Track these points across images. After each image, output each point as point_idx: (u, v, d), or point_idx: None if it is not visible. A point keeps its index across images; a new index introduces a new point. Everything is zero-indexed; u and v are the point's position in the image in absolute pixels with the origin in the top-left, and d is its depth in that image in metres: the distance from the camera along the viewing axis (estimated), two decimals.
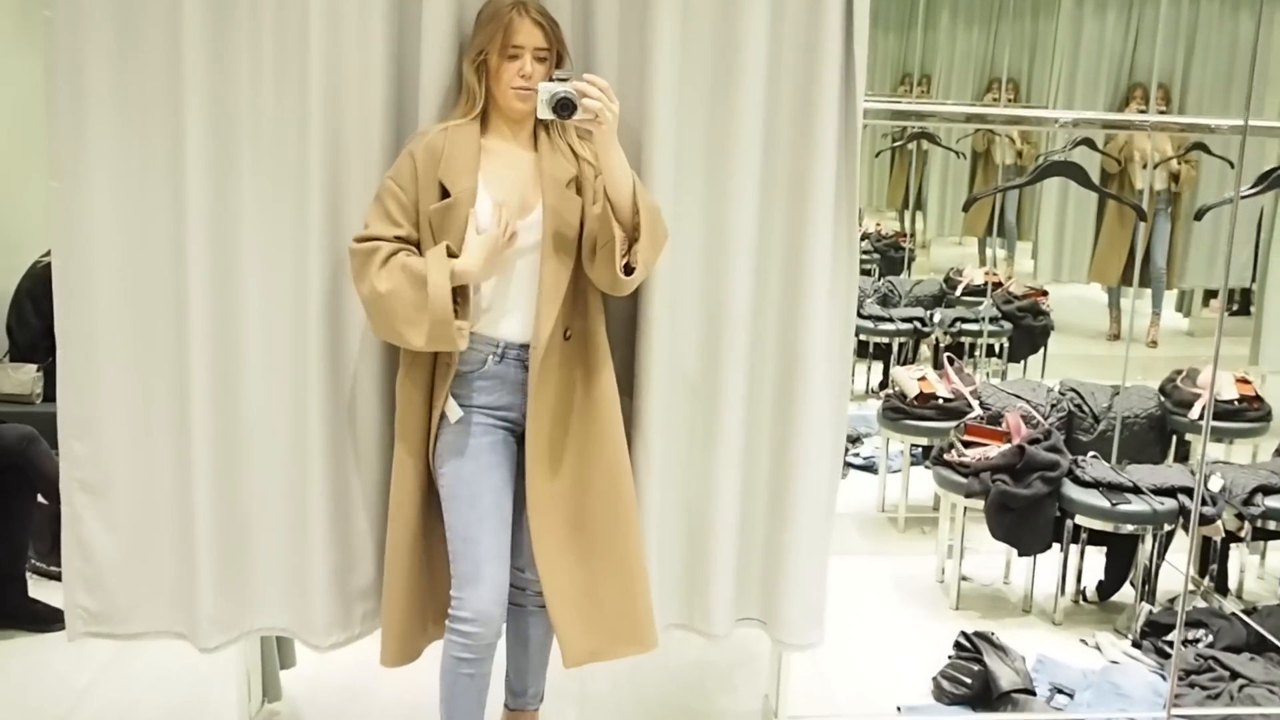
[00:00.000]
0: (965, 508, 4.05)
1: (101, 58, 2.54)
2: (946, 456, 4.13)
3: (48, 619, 3.60)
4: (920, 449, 4.95)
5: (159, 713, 3.06)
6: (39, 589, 3.75)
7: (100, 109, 2.56)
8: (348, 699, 3.29)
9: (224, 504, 2.72)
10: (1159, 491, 3.89)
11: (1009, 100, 7.51)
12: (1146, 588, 3.98)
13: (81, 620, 2.76)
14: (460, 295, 2.46)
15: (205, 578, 2.73)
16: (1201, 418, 4.64)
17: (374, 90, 2.58)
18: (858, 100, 2.69)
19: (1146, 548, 3.92)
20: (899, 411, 4.67)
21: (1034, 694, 3.34)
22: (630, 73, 2.62)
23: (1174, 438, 4.83)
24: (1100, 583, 4.16)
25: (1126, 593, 4.10)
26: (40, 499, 3.74)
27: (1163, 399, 4.85)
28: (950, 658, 3.51)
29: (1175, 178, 7.24)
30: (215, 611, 2.76)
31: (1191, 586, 4.14)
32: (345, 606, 2.78)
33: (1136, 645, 3.77)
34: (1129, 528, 3.86)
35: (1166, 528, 3.91)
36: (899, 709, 3.30)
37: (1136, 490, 3.88)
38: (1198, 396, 4.71)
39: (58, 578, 2.94)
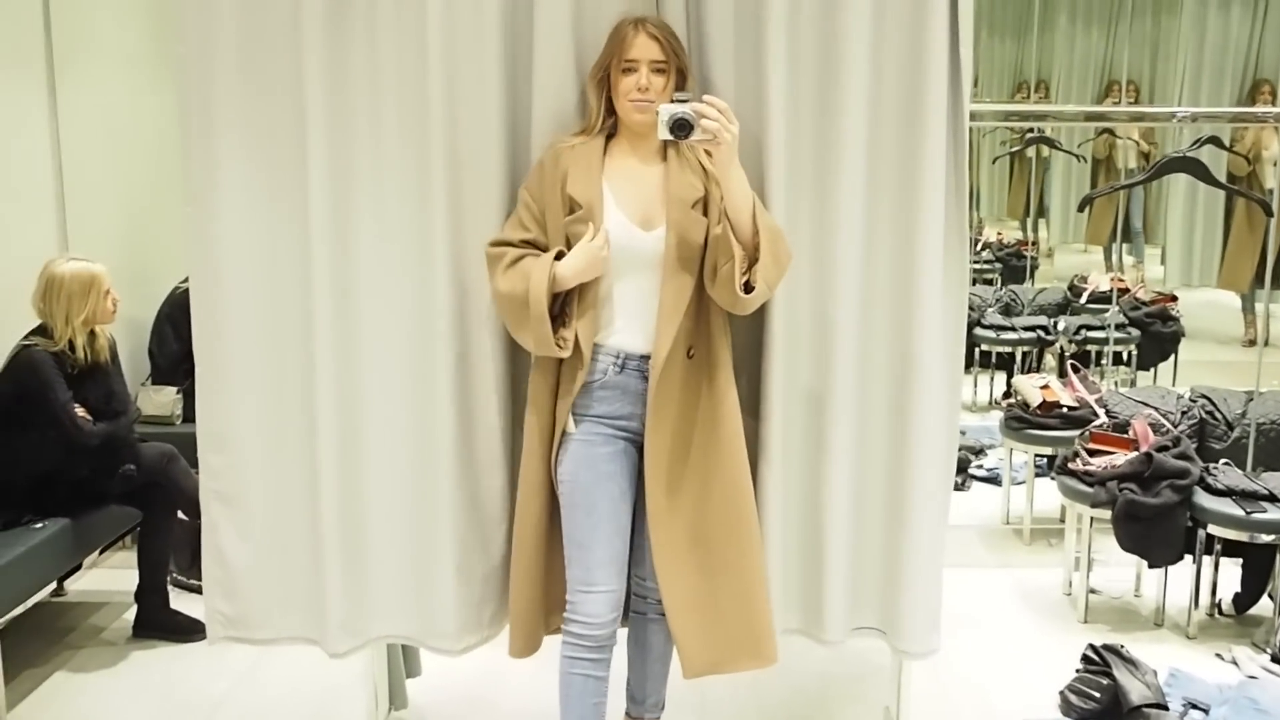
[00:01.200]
0: (1092, 518, 3.96)
1: (230, 90, 2.68)
2: (1071, 466, 4.05)
3: (188, 629, 3.75)
4: (1045, 459, 4.85)
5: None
6: (179, 601, 3.91)
7: (229, 138, 2.69)
8: (471, 708, 3.36)
9: (350, 513, 2.81)
10: None
11: (1130, 102, 7.33)
12: None
13: (220, 625, 2.88)
14: (569, 304, 2.54)
15: (333, 584, 2.82)
16: None
17: (490, 110, 2.65)
18: (964, 103, 2.68)
19: None
20: (1022, 421, 4.59)
21: (1166, 709, 3.24)
22: (746, 92, 2.65)
23: None
24: (1237, 595, 4.03)
25: (1265, 605, 3.96)
26: (181, 515, 3.90)
27: None
28: (1078, 671, 3.43)
29: None
30: (344, 617, 2.85)
31: None
32: (476, 609, 2.84)
33: (1276, 660, 3.64)
34: (1265, 538, 3.72)
35: None
36: None
37: (1273, 498, 3.75)
38: None
39: (198, 590, 3.07)
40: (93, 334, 3.68)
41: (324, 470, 2.78)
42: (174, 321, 4.60)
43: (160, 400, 4.54)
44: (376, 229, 2.73)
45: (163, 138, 4.81)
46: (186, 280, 3.57)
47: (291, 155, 2.70)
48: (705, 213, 2.55)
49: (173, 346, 4.63)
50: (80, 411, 3.60)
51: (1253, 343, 7.21)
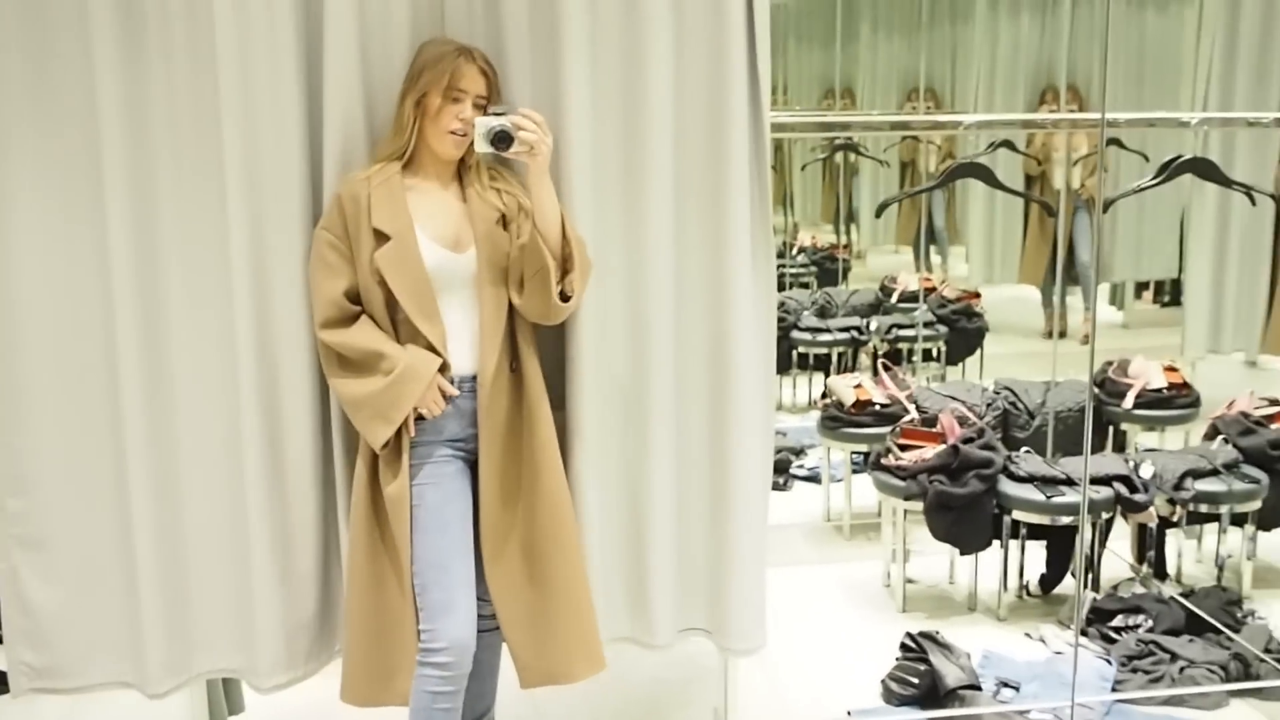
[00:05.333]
0: (905, 510, 4.12)
1: (20, 117, 2.57)
2: (884, 461, 4.20)
3: None
4: (861, 456, 5.02)
5: None
6: None
7: (20, 168, 2.58)
8: None
9: (165, 550, 2.74)
10: (1095, 480, 3.97)
11: (929, 108, 7.63)
12: (1090, 576, 4.06)
13: (26, 677, 2.76)
14: (399, 334, 2.58)
15: (151, 624, 2.74)
16: (1135, 407, 4.75)
17: (289, 130, 2.61)
18: (764, 111, 2.77)
19: (1086, 536, 4.00)
20: (838, 420, 4.73)
21: (980, 689, 3.40)
22: (544, 105, 2.66)
23: (1110, 428, 4.93)
24: (1042, 575, 4.24)
25: (1068, 584, 4.18)
26: None
27: (1097, 390, 4.96)
28: (897, 659, 3.56)
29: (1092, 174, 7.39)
30: (163, 656, 2.77)
31: (1131, 573, 4.24)
32: (290, 646, 2.79)
33: (1082, 633, 3.83)
34: (1065, 519, 3.93)
35: (1104, 516, 4.00)
36: (849, 713, 3.35)
37: (1071, 482, 3.95)
38: (1130, 386, 4.82)
39: None
40: None
41: (134, 508, 2.70)
42: None
43: None
44: (179, 257, 2.66)
45: None
46: None
47: (86, 177, 2.61)
48: (505, 229, 2.58)
49: None
50: None
51: (1052, 334, 7.58)
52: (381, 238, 2.53)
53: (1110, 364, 5.09)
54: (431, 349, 2.55)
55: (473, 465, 2.64)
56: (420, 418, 2.57)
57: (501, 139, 2.47)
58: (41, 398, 2.67)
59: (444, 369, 2.56)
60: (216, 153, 2.61)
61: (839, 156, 8.25)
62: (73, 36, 2.55)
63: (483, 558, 2.62)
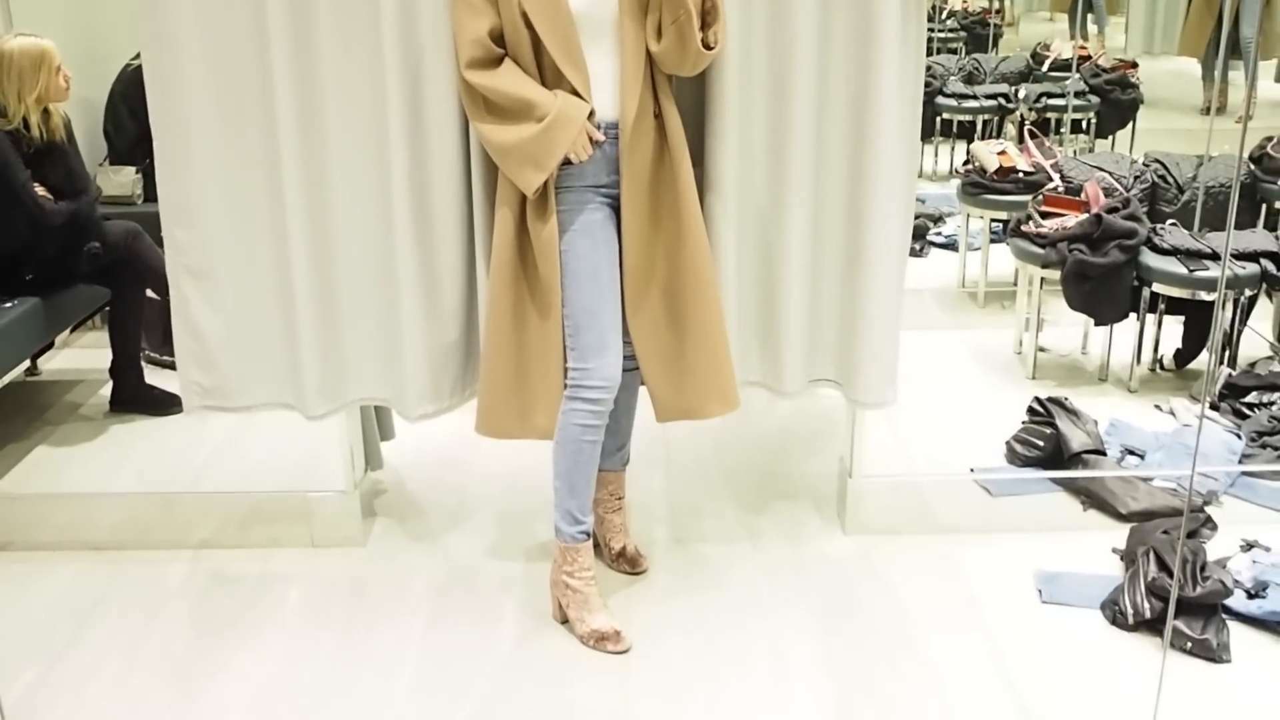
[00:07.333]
0: (1043, 279, 4.08)
1: None
2: (1024, 228, 4.13)
3: (165, 403, 3.85)
4: (1001, 225, 4.95)
5: (272, 484, 3.28)
6: (154, 377, 4.00)
7: None
8: (445, 467, 3.51)
9: (319, 279, 2.86)
10: (1240, 256, 3.87)
11: None
12: (1227, 352, 4.00)
13: (196, 395, 2.96)
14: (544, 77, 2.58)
15: (307, 349, 2.90)
16: None
17: None
18: None
19: (1227, 313, 3.92)
20: (978, 186, 4.65)
21: (1104, 455, 3.42)
22: None
23: (1263, 206, 4.76)
24: (1178, 350, 4.19)
25: (1203, 360, 4.12)
26: (150, 293, 3.94)
27: (1252, 166, 4.76)
28: (1023, 423, 3.59)
29: None
30: (318, 381, 2.93)
31: (1270, 352, 4.16)
32: (434, 378, 2.92)
33: (1214, 407, 3.80)
34: (1206, 295, 3.85)
35: (1248, 292, 3.90)
36: (972, 469, 3.42)
37: (1215, 257, 3.85)
38: None
39: (172, 367, 3.14)
40: (47, 112, 3.63)
41: (292, 238, 2.81)
42: (128, 100, 4.53)
43: (120, 180, 4.51)
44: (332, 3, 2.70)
45: None
46: (138, 57, 3.53)
47: None
48: None
49: (128, 126, 4.58)
50: (41, 191, 3.59)
51: (1209, 110, 7.23)
52: None
53: (1270, 139, 4.86)
54: (575, 94, 2.57)
55: (615, 210, 2.69)
56: (566, 163, 2.61)
57: None
58: (204, 133, 2.77)
59: (590, 115, 2.58)
60: None
61: None
62: None
63: (625, 299, 2.69)
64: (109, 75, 4.64)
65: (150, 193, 4.36)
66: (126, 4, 2.90)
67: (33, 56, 3.54)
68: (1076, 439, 3.41)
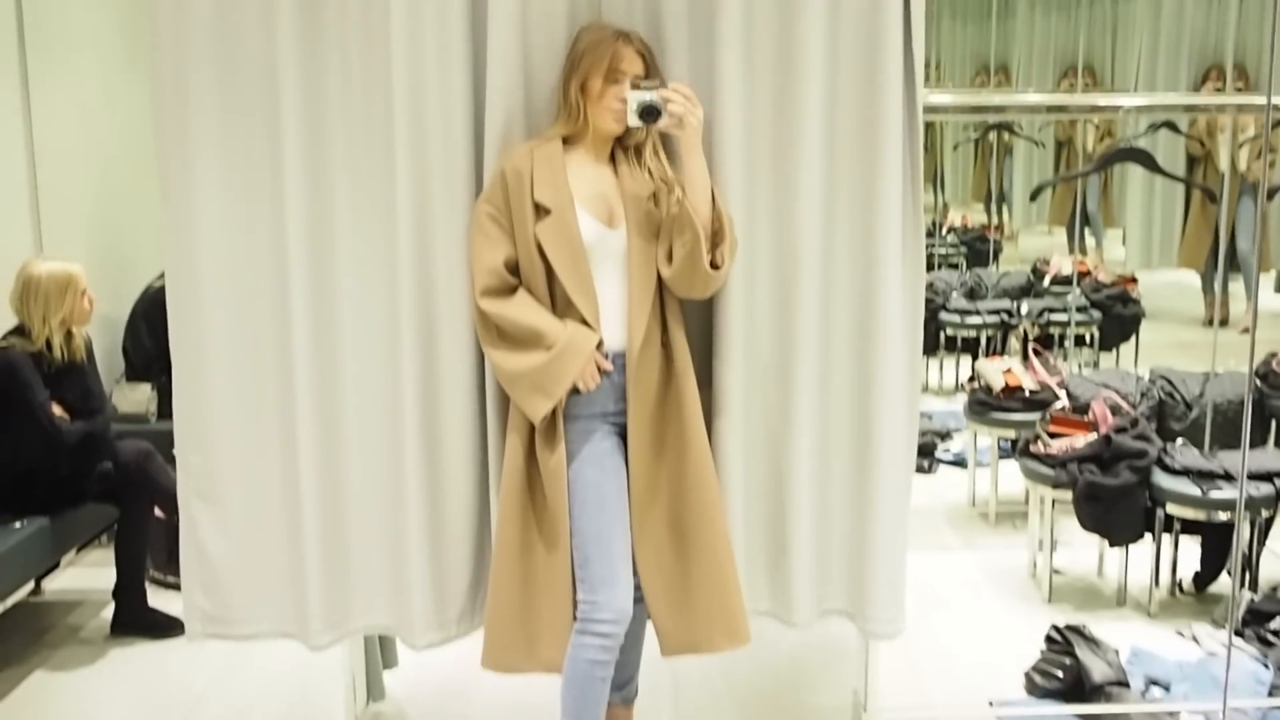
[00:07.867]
0: (1054, 499, 4.05)
1: (205, 89, 2.72)
2: (1033, 448, 4.13)
3: (166, 626, 3.78)
4: (1009, 442, 4.94)
5: (271, 714, 3.20)
6: (156, 598, 3.94)
7: (205, 137, 2.73)
8: (449, 697, 3.41)
9: (328, 507, 2.86)
10: (1255, 476, 3.85)
11: (1086, 85, 7.42)
12: (1248, 575, 3.94)
13: (199, 621, 2.92)
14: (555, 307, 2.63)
15: (313, 578, 2.87)
16: None
17: (455, 107, 2.70)
18: (917, 92, 2.76)
19: (1244, 534, 3.88)
20: (985, 404, 4.67)
21: (1128, 687, 3.33)
22: (698, 84, 2.69)
23: (1272, 422, 4.76)
24: (1196, 573, 4.12)
25: (1224, 583, 4.06)
26: (158, 512, 3.93)
27: (1259, 382, 4.79)
28: (1042, 652, 3.51)
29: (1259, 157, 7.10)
30: (323, 610, 2.89)
31: None
32: (441, 607, 2.89)
33: (1238, 634, 3.71)
34: (1222, 516, 3.82)
35: (1265, 514, 3.87)
36: (991, 703, 3.32)
37: (1229, 477, 3.83)
38: None
39: (175, 588, 3.11)
40: (69, 334, 3.70)
41: (303, 466, 2.82)
42: (149, 318, 4.61)
43: (135, 397, 4.55)
44: (351, 226, 2.78)
45: (137, 134, 4.82)
46: (161, 277, 3.61)
47: (267, 155, 2.75)
48: (656, 206, 2.63)
49: (146, 344, 4.65)
50: (57, 410, 3.62)
51: (1212, 322, 7.33)
52: (542, 211, 2.59)
53: (1275, 355, 4.90)
54: (584, 323, 2.61)
55: (623, 437, 2.70)
56: (575, 391, 2.63)
57: (650, 112, 2.52)
58: (220, 357, 2.82)
59: (599, 344, 2.62)
60: (387, 133, 2.71)
61: (992, 135, 8.09)
62: (258, 33, 2.70)
63: (630, 527, 2.67)
64: (132, 292, 4.75)
65: (164, 410, 4.39)
66: (152, 224, 2.99)
67: (60, 281, 3.63)
68: (1098, 670, 3.33)
